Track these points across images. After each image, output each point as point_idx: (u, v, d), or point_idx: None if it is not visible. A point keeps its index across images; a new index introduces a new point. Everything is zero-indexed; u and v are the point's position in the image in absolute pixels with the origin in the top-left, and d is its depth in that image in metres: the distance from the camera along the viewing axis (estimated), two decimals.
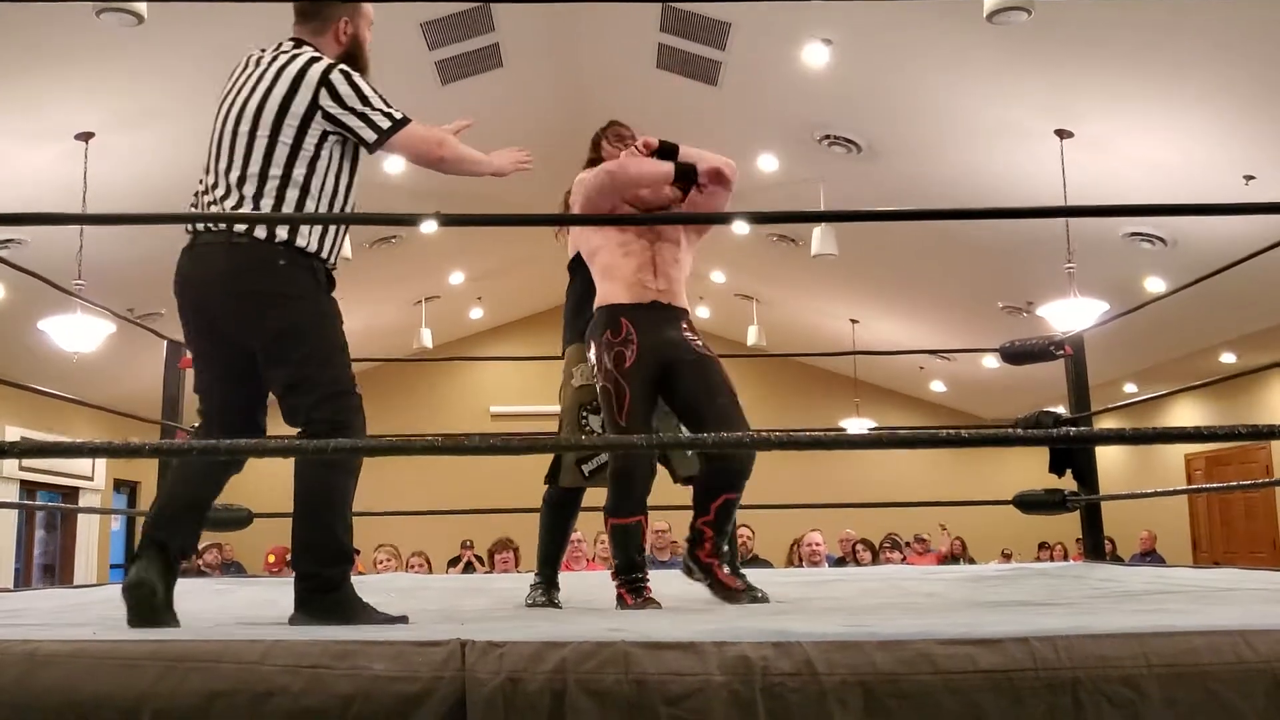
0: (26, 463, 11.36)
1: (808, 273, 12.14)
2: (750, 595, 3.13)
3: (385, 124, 2.65)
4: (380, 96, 2.68)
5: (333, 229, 2.66)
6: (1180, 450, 14.15)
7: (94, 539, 13.31)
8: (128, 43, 6.35)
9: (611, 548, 3.18)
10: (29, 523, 12.42)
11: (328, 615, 2.42)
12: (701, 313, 14.66)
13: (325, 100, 2.60)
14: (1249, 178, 7.47)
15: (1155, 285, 9.49)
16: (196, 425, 2.78)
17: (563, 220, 3.50)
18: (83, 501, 13.11)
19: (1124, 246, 9.10)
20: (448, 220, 2.30)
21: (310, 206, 2.60)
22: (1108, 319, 7.00)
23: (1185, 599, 2.79)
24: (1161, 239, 8.90)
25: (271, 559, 9.50)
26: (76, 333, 8.27)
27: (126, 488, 14.74)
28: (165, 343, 4.75)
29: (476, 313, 15.38)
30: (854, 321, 13.94)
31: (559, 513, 3.55)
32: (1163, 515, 13.47)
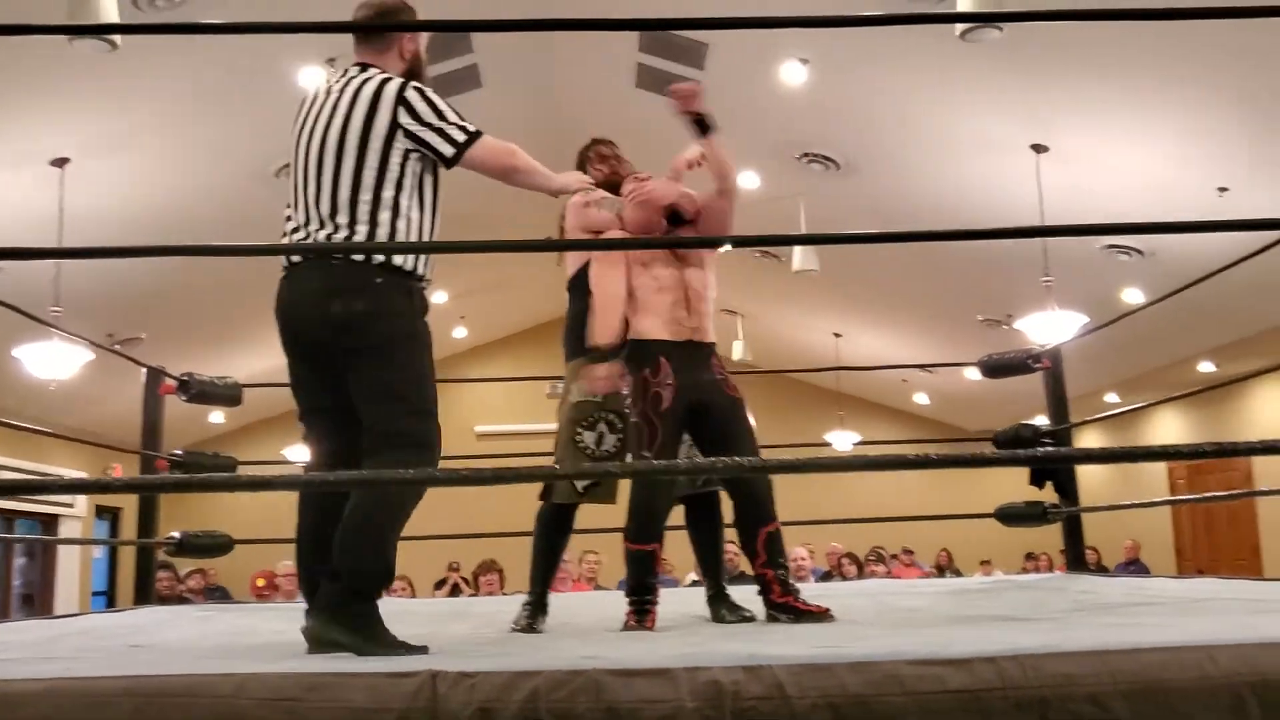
0: None
1: (791, 288, 12.19)
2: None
3: (461, 137, 2.68)
4: (454, 110, 2.71)
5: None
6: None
7: (75, 567, 13.18)
8: (103, 67, 6.35)
9: (627, 568, 3.22)
10: (8, 551, 12.30)
11: (356, 627, 2.41)
12: None
13: (404, 118, 2.63)
14: (1222, 189, 7.54)
15: (1134, 297, 9.56)
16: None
17: (572, 245, 3.50)
18: (63, 529, 12.97)
19: (1102, 259, 9.17)
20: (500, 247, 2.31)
21: (401, 226, 2.63)
22: (1086, 331, 7.04)
23: (1160, 612, 2.81)
24: (1139, 251, 8.97)
25: (260, 583, 9.45)
26: (53, 360, 8.19)
27: (109, 514, 14.64)
28: (144, 370, 4.73)
29: (460, 332, 15.37)
30: (837, 335, 13.99)
31: (553, 530, 3.55)
32: (1146, 524, 13.53)
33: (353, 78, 2.73)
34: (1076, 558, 5.00)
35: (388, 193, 2.62)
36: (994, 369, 5.10)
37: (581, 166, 3.69)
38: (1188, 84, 6.64)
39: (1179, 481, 14.18)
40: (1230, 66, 6.34)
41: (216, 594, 10.12)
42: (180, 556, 5.15)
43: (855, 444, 12.99)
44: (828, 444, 13.55)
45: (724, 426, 3.26)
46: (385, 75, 2.72)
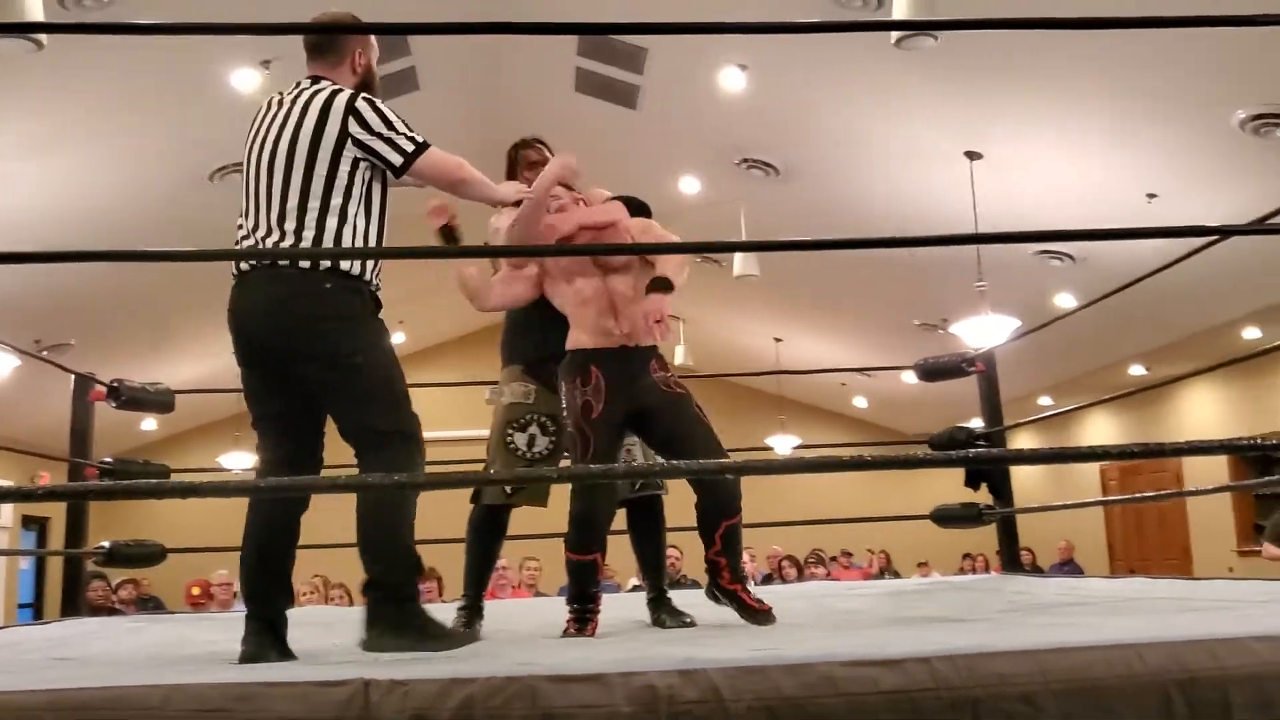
0: None
1: (731, 293, 12.25)
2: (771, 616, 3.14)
3: (410, 148, 2.73)
4: (403, 121, 2.76)
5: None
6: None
7: (0, 578, 12.90)
8: (29, 68, 6.22)
9: (568, 578, 3.19)
10: None
11: (403, 629, 2.46)
12: None
13: (354, 128, 2.68)
14: (1151, 196, 7.69)
15: (1066, 301, 9.71)
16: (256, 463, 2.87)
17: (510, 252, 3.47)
18: None
19: (1034, 264, 9.32)
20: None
21: (348, 233, 2.68)
22: (1018, 335, 7.14)
23: (1092, 611, 2.85)
24: (1070, 256, 9.13)
25: (195, 591, 9.28)
26: None
27: (35, 525, 14.31)
28: (73, 376, 4.63)
29: (399, 337, 15.22)
30: (778, 340, 14.08)
31: (484, 534, 3.52)
32: (1080, 525, 13.75)
33: (305, 89, 2.79)
34: (1011, 559, 5.06)
35: (335, 200, 2.67)
36: (930, 373, 5.16)
37: (512, 172, 3.66)
38: (1118, 93, 6.77)
39: (1111, 483, 14.45)
40: (1159, 76, 6.48)
41: (149, 604, 9.94)
42: (110, 566, 5.06)
43: (795, 447, 13.06)
44: (769, 448, 13.60)
45: (671, 425, 3.23)
46: (337, 88, 2.77)
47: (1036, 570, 10.34)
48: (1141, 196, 7.70)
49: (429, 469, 3.00)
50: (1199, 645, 1.77)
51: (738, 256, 9.83)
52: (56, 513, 12.39)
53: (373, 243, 2.76)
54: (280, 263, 2.63)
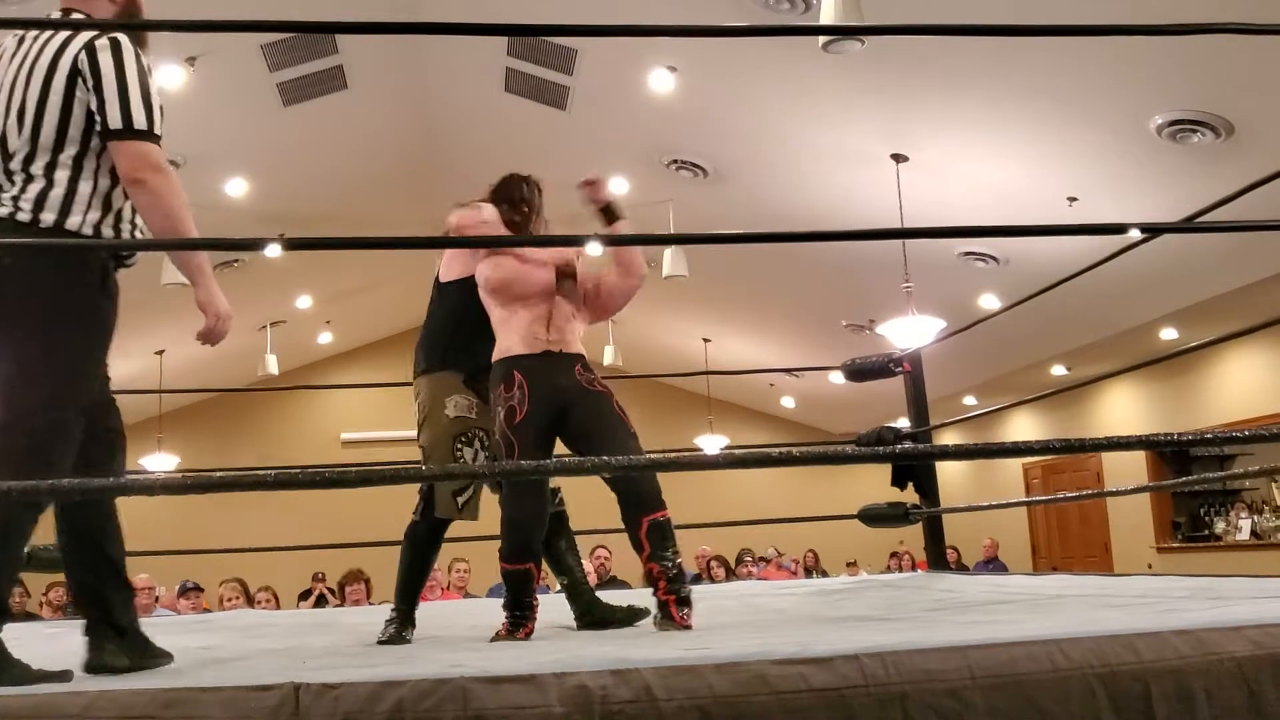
0: None
1: (660, 293, 12.28)
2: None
3: (118, 125, 2.36)
4: (143, 89, 2.40)
5: (116, 210, 2.45)
6: (1018, 459, 14.75)
7: None
8: None
9: (505, 586, 3.17)
10: None
11: None
12: None
13: (85, 70, 2.36)
14: (1072, 199, 7.85)
15: (990, 302, 9.88)
16: None
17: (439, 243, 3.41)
18: None
19: (959, 265, 9.47)
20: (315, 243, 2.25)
21: (84, 188, 2.39)
22: (944, 336, 7.25)
23: (1016, 608, 2.91)
24: (994, 258, 9.29)
25: None
26: None
27: None
28: None
29: (325, 337, 15.06)
30: (706, 341, 14.15)
31: (425, 546, 3.47)
32: (1004, 523, 14.00)
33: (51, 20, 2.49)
34: (938, 557, 5.14)
35: (67, 151, 2.38)
36: (857, 373, 5.22)
37: (520, 202, 3.54)
38: (1040, 98, 6.90)
39: (1034, 482, 14.73)
40: (1078, 81, 6.62)
41: (71, 610, 9.71)
42: (29, 571, 4.92)
43: (724, 447, 13.13)
44: (698, 448, 13.68)
45: (585, 423, 3.21)
46: (83, 20, 2.47)
47: (962, 568, 10.50)
48: (1063, 199, 7.86)
49: (361, 470, 2.94)
50: (1120, 640, 1.82)
51: (666, 257, 9.88)
52: None
53: (116, 204, 2.45)
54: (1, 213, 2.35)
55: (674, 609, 3.04)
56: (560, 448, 3.32)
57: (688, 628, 3.00)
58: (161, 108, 2.45)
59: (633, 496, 3.14)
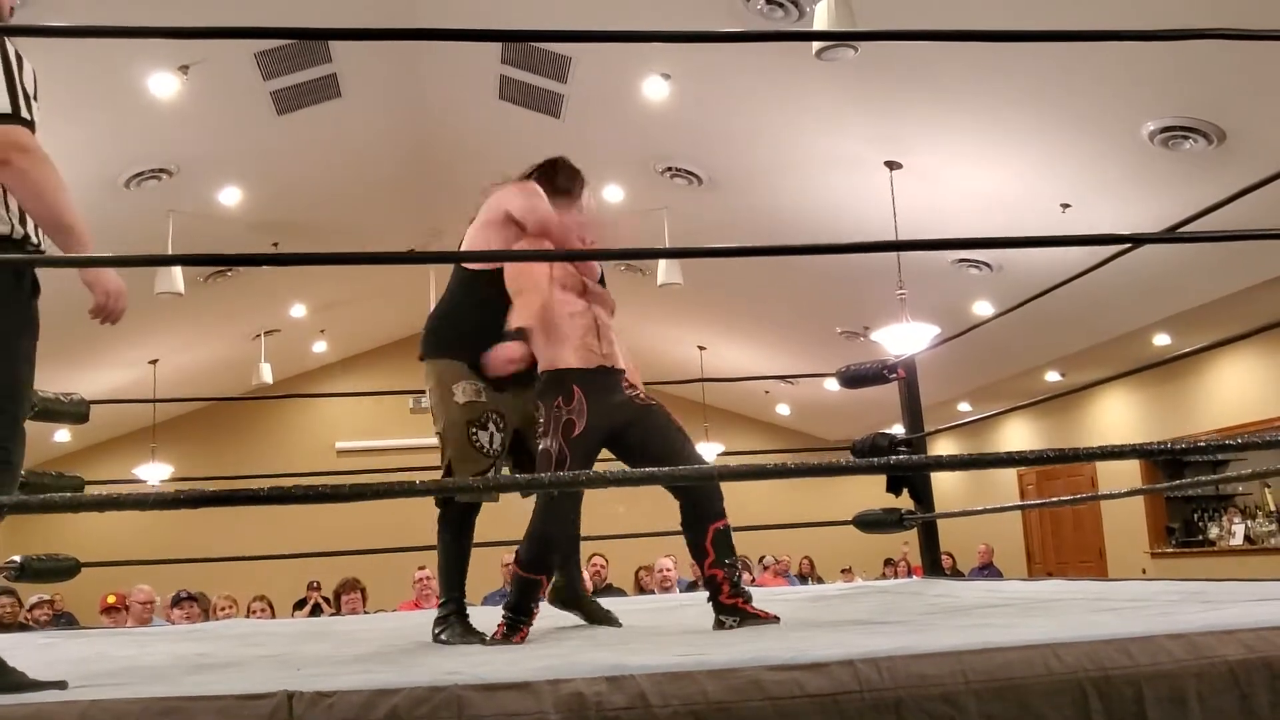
0: None
1: (655, 301, 12.30)
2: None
3: (5, 106, 2.23)
4: (7, 74, 2.26)
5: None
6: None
7: None
8: None
9: (512, 588, 3.19)
10: None
11: None
12: None
13: None
14: (1065, 206, 7.87)
15: (983, 309, 9.90)
16: None
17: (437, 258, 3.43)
18: None
19: (953, 272, 9.48)
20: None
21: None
22: (938, 342, 7.26)
23: (1010, 613, 2.91)
24: (988, 265, 9.30)
25: (111, 599, 9.06)
26: None
27: None
28: None
29: (320, 346, 15.05)
30: (701, 348, 14.16)
31: (458, 531, 3.45)
32: (999, 529, 14.01)
33: None
34: (933, 562, 5.15)
35: None
36: (852, 380, 5.22)
37: (568, 187, 3.55)
38: (1033, 105, 6.93)
39: (1029, 487, 14.74)
40: (1071, 88, 6.64)
41: (64, 620, 9.69)
42: (21, 581, 4.92)
43: (719, 454, 13.13)
44: None
45: (646, 439, 3.26)
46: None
47: (957, 574, 10.51)
48: (1057, 206, 7.88)
49: (360, 479, 2.92)
50: (1113, 644, 1.82)
51: (661, 265, 9.89)
52: None
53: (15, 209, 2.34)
54: None
55: (750, 607, 3.08)
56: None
57: (775, 620, 3.03)
58: (30, 95, 2.33)
59: (699, 505, 3.19)
